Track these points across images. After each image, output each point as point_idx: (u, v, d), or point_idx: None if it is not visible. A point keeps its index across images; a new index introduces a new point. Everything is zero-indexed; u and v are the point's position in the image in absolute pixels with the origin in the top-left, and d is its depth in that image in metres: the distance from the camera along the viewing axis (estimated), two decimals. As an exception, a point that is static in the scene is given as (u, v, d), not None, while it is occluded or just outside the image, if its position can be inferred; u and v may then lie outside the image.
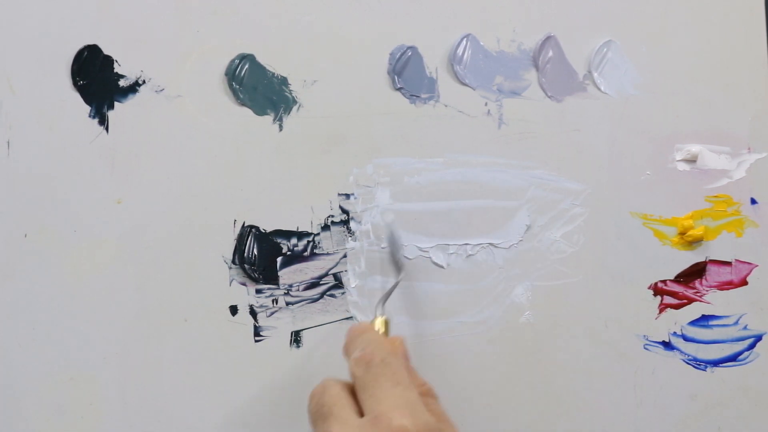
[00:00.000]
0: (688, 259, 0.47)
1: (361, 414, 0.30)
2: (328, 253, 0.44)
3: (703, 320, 0.47)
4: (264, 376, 0.43)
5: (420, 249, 0.45)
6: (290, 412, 0.43)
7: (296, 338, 0.43)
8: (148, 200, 0.42)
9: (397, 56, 0.45)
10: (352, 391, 0.32)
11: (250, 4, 0.44)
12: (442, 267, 0.45)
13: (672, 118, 0.48)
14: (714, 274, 0.48)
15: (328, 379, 0.33)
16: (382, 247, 0.44)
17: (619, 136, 0.47)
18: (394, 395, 0.30)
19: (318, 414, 0.31)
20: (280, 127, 0.44)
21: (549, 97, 0.47)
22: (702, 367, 0.47)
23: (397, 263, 0.43)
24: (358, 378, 0.32)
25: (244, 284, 0.43)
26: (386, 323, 0.37)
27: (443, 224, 0.45)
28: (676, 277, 0.47)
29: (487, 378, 0.45)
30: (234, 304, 0.43)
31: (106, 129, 0.42)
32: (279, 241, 0.43)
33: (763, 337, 0.48)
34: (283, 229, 0.44)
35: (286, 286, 0.43)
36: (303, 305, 0.43)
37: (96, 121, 0.42)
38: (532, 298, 0.46)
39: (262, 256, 0.43)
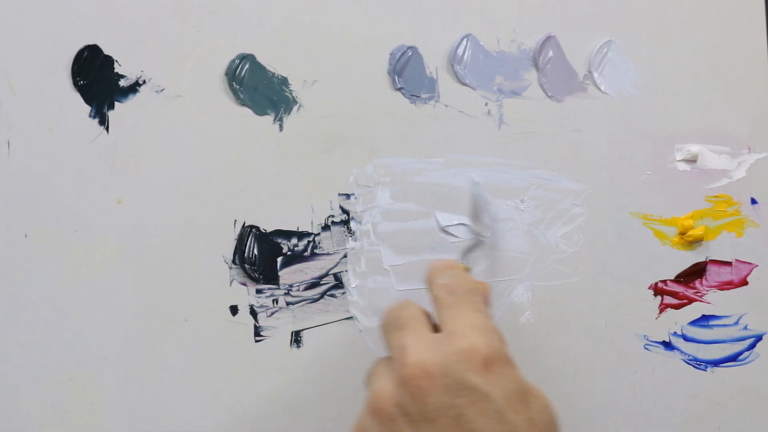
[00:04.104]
0: (688, 259, 0.47)
1: (436, 332, 0.31)
2: (328, 253, 0.44)
3: (703, 320, 0.47)
4: (264, 376, 0.43)
5: (418, 249, 0.45)
6: (290, 412, 0.43)
7: (296, 338, 0.43)
8: (148, 200, 0.42)
9: (397, 56, 0.45)
10: (428, 315, 0.33)
11: (250, 4, 0.44)
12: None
13: (672, 118, 0.48)
14: (714, 274, 0.48)
15: (407, 299, 0.34)
16: (469, 213, 0.44)
17: (619, 136, 0.47)
18: (474, 318, 0.31)
19: (393, 325, 0.32)
20: (281, 127, 0.44)
21: (549, 97, 0.47)
22: (702, 367, 0.47)
23: (479, 223, 0.43)
24: (441, 300, 0.33)
25: (244, 284, 0.43)
26: (467, 270, 0.38)
27: (442, 224, 0.45)
28: (676, 277, 0.47)
29: (487, 378, 0.45)
30: (234, 304, 0.43)
31: (106, 129, 0.42)
32: (279, 241, 0.43)
33: (763, 337, 0.48)
34: (284, 229, 0.44)
35: (287, 286, 0.43)
36: (303, 305, 0.43)
37: (96, 121, 0.42)
38: (532, 298, 0.46)
39: (263, 256, 0.43)
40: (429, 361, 0.29)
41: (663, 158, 0.48)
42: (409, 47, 0.45)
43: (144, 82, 0.43)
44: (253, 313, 0.43)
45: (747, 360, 0.47)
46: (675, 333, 0.47)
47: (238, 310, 0.43)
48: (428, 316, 0.33)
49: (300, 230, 0.44)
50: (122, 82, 0.43)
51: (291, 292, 0.43)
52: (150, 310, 0.42)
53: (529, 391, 0.29)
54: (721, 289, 0.48)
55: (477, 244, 0.43)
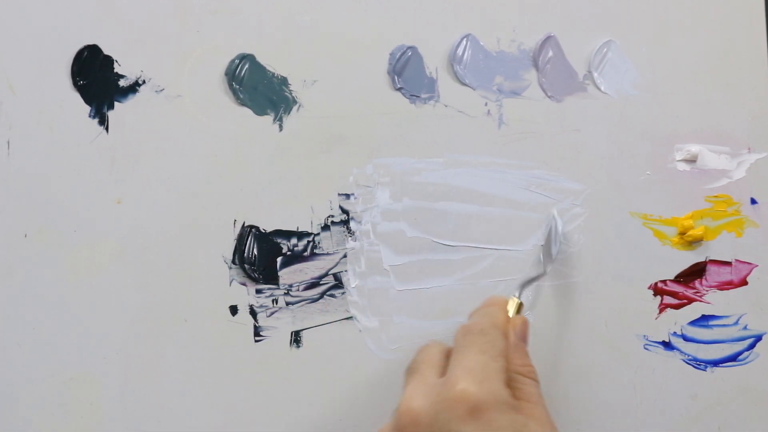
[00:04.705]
0: (688, 259, 0.47)
1: None
2: (328, 253, 0.44)
3: (703, 320, 0.47)
4: (264, 376, 0.43)
5: (418, 250, 0.45)
6: (290, 412, 0.43)
7: (296, 338, 0.43)
8: (148, 200, 0.42)
9: (397, 56, 0.45)
10: (449, 356, 0.33)
11: (250, 4, 0.44)
12: (442, 266, 0.45)
13: (672, 118, 0.48)
14: (714, 274, 0.48)
15: (433, 340, 0.35)
16: (541, 244, 0.45)
17: (619, 136, 0.47)
18: (474, 361, 0.31)
19: (409, 369, 0.34)
20: (280, 127, 0.44)
21: (549, 97, 0.47)
22: (702, 367, 0.47)
23: (548, 256, 0.44)
24: (456, 341, 0.33)
25: (244, 284, 0.43)
26: (519, 306, 0.39)
27: (443, 224, 0.45)
28: (676, 277, 0.47)
29: (487, 378, 0.45)
30: (234, 304, 0.43)
31: (106, 129, 0.42)
32: (279, 241, 0.43)
33: (763, 337, 0.48)
34: (283, 229, 0.44)
35: (286, 286, 0.43)
36: (303, 305, 0.43)
37: (96, 121, 0.42)
38: (532, 298, 0.46)
39: (262, 256, 0.43)
40: (418, 409, 0.29)
41: (663, 158, 0.48)
42: (409, 47, 0.45)
43: (144, 82, 0.43)
44: (253, 313, 0.43)
45: (747, 360, 0.47)
46: (675, 333, 0.47)
47: (237, 310, 0.43)
48: (447, 356, 0.33)
49: (300, 230, 0.44)
50: (122, 82, 0.43)
51: (291, 292, 0.43)
52: (150, 310, 0.42)
53: None
54: (721, 289, 0.48)
55: (538, 276, 0.43)
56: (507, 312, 0.38)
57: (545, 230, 0.45)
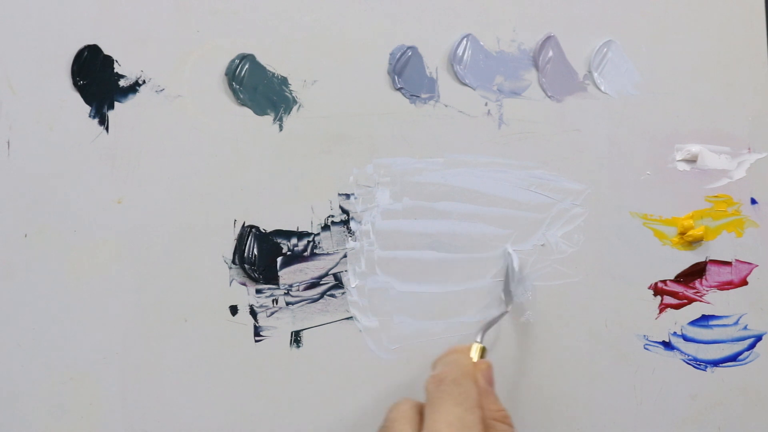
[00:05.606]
0: (688, 259, 0.48)
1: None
2: (328, 253, 0.44)
3: (703, 320, 0.47)
4: (264, 376, 0.43)
5: (420, 249, 0.45)
6: (290, 412, 0.43)
7: (296, 338, 0.43)
8: (148, 200, 0.42)
9: (397, 56, 0.45)
10: (422, 410, 0.33)
11: (250, 4, 0.44)
12: (442, 267, 0.45)
13: (672, 118, 0.48)
14: (714, 274, 0.48)
15: (404, 398, 0.34)
16: (497, 279, 0.45)
17: (619, 136, 0.47)
18: (452, 414, 0.31)
19: (383, 428, 0.33)
20: (281, 127, 0.44)
21: (549, 97, 0.47)
22: (702, 367, 0.47)
23: (508, 294, 0.43)
24: (428, 393, 0.33)
25: (244, 284, 0.43)
26: (482, 350, 0.39)
27: (443, 224, 0.45)
28: (676, 277, 0.47)
29: (487, 378, 0.45)
30: (234, 304, 0.43)
31: (106, 129, 0.42)
32: (279, 241, 0.43)
33: (763, 337, 0.48)
34: (283, 229, 0.44)
35: (286, 286, 0.43)
36: (303, 305, 0.43)
37: (96, 121, 0.42)
38: (532, 298, 0.46)
39: (262, 256, 0.43)
40: None
41: (663, 158, 0.48)
42: (409, 47, 0.45)
43: (144, 82, 0.43)
44: (253, 313, 0.43)
45: (747, 360, 0.48)
46: (675, 333, 0.47)
47: (237, 310, 0.43)
48: (420, 411, 0.33)
49: (300, 230, 0.44)
50: (122, 82, 0.43)
51: (291, 292, 0.43)
52: (150, 310, 0.42)
53: None
54: (721, 289, 0.48)
55: (500, 316, 0.43)
56: (471, 358, 0.38)
57: (503, 267, 0.45)
